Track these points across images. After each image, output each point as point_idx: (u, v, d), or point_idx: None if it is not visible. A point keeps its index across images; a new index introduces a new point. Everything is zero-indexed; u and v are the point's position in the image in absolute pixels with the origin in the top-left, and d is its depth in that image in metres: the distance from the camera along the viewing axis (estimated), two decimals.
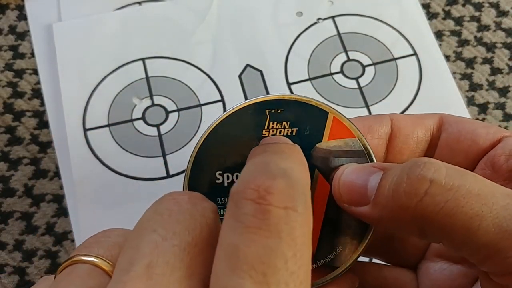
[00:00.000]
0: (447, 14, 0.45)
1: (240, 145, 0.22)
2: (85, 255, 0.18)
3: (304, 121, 0.22)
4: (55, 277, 0.19)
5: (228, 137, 0.22)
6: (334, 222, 0.22)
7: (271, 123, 0.22)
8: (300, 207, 0.16)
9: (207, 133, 0.23)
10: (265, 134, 0.22)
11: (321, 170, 0.22)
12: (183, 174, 0.39)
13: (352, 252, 0.22)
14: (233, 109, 0.23)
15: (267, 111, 0.23)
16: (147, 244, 0.16)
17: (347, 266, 0.22)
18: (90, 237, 0.19)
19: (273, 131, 0.22)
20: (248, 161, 0.19)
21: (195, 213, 0.17)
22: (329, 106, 0.23)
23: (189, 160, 0.23)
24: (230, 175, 0.22)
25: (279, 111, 0.23)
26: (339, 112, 0.23)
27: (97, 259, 0.18)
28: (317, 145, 0.22)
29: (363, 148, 0.23)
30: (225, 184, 0.22)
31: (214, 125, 0.23)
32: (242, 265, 0.15)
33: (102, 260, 0.18)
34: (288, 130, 0.22)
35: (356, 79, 0.42)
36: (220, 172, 0.22)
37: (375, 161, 0.23)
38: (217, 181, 0.22)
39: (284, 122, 0.22)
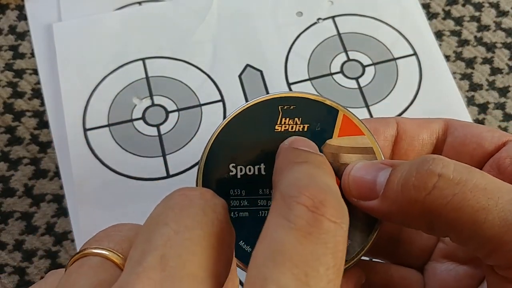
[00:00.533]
0: (447, 14, 0.45)
1: (253, 139, 0.23)
2: (95, 248, 0.18)
3: (315, 118, 0.23)
4: (65, 270, 0.19)
5: (241, 131, 0.23)
6: None
7: (283, 118, 0.23)
8: (345, 225, 0.17)
9: (221, 127, 0.23)
10: (278, 129, 0.23)
11: (331, 165, 0.23)
12: (183, 174, 0.39)
13: (360, 246, 0.23)
14: (247, 104, 0.24)
15: (279, 107, 0.23)
16: (160, 237, 0.16)
17: (355, 259, 0.23)
18: (101, 231, 0.19)
19: (285, 127, 0.23)
20: (291, 167, 0.20)
21: (206, 209, 0.18)
22: (339, 105, 0.24)
23: (203, 152, 0.23)
24: (243, 168, 0.23)
25: (292, 107, 0.23)
26: (348, 111, 0.24)
27: (108, 252, 0.18)
28: (327, 141, 0.23)
29: (372, 146, 0.23)
30: (238, 176, 0.23)
31: (229, 119, 0.24)
32: (286, 262, 0.16)
33: (113, 253, 0.18)
34: (299, 126, 0.23)
35: (356, 79, 0.42)
36: (234, 164, 0.23)
37: (384, 158, 0.23)
38: (231, 173, 0.23)
39: (296, 119, 0.23)
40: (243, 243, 0.23)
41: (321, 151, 0.23)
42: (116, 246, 0.18)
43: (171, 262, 0.16)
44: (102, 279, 0.17)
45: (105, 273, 0.18)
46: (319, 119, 0.23)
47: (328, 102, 0.24)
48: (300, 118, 0.23)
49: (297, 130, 0.23)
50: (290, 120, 0.23)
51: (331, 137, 0.23)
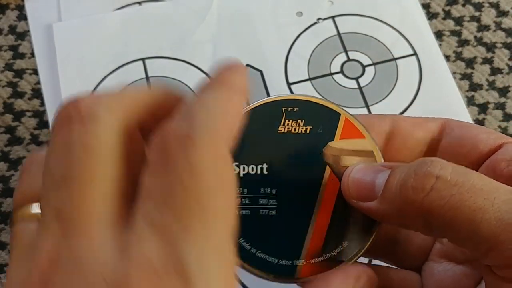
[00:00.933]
0: (447, 14, 0.45)
1: (257, 139, 0.24)
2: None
3: (318, 120, 0.24)
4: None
5: (245, 131, 0.24)
6: (342, 218, 0.24)
7: (287, 120, 0.24)
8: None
9: None
10: (281, 130, 0.24)
11: (332, 167, 0.24)
12: None
13: (358, 247, 0.23)
14: (252, 105, 0.24)
15: (283, 109, 0.24)
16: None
17: (352, 260, 0.23)
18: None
19: (288, 128, 0.24)
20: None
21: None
22: (342, 108, 0.24)
23: None
24: (246, 167, 0.24)
25: (295, 109, 0.24)
26: (350, 114, 0.24)
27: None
28: (329, 143, 0.24)
29: (372, 149, 0.24)
30: (241, 175, 0.24)
31: None
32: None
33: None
34: (302, 128, 0.24)
35: (356, 79, 0.42)
36: (237, 163, 0.24)
37: (383, 161, 0.24)
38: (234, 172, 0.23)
39: (299, 120, 0.24)
40: (244, 241, 0.23)
41: (323, 152, 0.24)
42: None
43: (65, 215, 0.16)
44: None
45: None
46: (322, 122, 0.24)
47: (330, 106, 0.24)
48: (303, 120, 0.24)
49: (299, 131, 0.24)
50: (293, 122, 0.24)
51: (333, 139, 0.24)
